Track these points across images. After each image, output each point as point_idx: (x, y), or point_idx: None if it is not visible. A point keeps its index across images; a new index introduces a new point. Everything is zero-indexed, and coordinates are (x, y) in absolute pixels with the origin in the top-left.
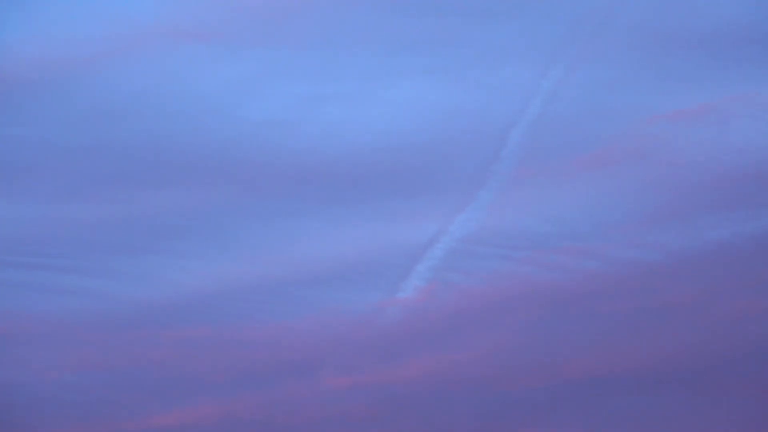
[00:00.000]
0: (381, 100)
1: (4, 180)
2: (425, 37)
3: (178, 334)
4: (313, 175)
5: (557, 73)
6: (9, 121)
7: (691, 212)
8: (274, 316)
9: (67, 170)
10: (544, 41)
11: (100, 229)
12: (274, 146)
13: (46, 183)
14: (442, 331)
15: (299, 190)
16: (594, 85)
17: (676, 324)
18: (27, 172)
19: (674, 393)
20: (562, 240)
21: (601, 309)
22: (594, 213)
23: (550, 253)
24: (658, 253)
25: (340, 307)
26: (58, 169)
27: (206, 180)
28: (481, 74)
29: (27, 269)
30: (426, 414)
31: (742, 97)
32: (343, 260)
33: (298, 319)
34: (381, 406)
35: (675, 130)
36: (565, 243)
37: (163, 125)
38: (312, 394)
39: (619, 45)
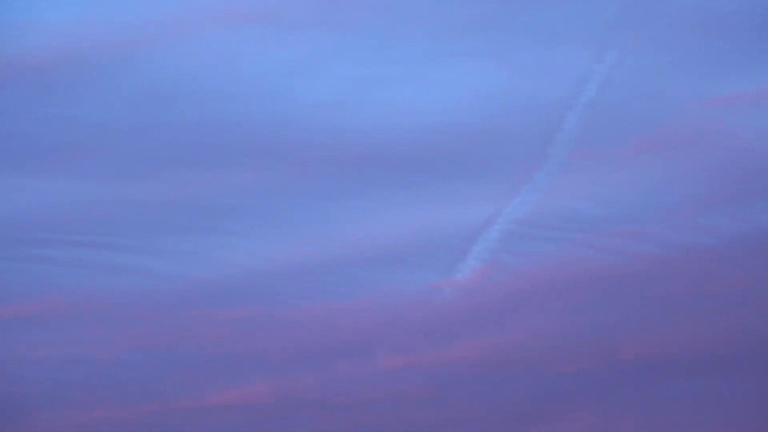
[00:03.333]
0: (436, 83)
1: (59, 160)
2: (479, 21)
3: (232, 313)
4: (369, 157)
5: (612, 57)
6: (62, 102)
7: (746, 196)
8: (329, 295)
9: (122, 150)
10: (598, 25)
11: (155, 209)
12: (328, 128)
13: (102, 163)
14: (496, 312)
15: (354, 172)
16: (648, 69)
17: (729, 307)
18: (82, 153)
19: (727, 376)
20: (616, 223)
21: (654, 292)
22: (648, 196)
23: (604, 236)
24: (712, 236)
25: (395, 287)
26: (113, 150)
27: (261, 161)
28: (536, 57)
29: (82, 248)
30: (480, 395)
31: None
32: (399, 241)
33: (353, 299)
34: (435, 386)
35: (730, 115)
36: (620, 226)
37: (218, 107)
38: (366, 374)
39: (674, 28)
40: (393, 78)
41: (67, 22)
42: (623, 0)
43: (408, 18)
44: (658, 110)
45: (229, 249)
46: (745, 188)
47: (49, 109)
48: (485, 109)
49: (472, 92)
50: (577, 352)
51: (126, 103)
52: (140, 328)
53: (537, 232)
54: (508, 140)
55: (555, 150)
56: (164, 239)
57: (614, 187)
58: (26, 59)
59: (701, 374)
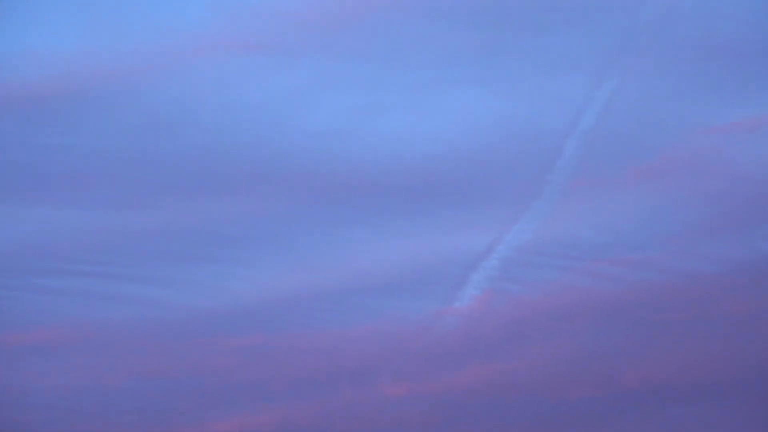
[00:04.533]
0: (436, 111)
1: (60, 189)
2: (479, 49)
3: (235, 341)
4: (369, 185)
5: (612, 84)
6: (68, 130)
7: (747, 224)
8: (331, 324)
9: (125, 180)
10: (598, 52)
11: (158, 238)
12: (329, 156)
13: (105, 192)
14: (497, 340)
15: (355, 200)
16: (649, 97)
17: (731, 334)
18: (85, 182)
19: (729, 403)
20: (617, 250)
21: (655, 319)
22: (649, 224)
23: (605, 264)
24: (713, 264)
25: (396, 315)
26: (116, 179)
27: (262, 190)
28: (535, 85)
29: (84, 277)
30: (481, 422)
31: None
32: (400, 269)
33: (355, 327)
34: (437, 414)
35: (730, 142)
36: (621, 253)
37: (219, 135)
38: (368, 401)
39: (674, 56)
40: (393, 106)
41: (67, 51)
42: (623, 27)
43: (408, 46)
44: (658, 137)
45: (230, 277)
46: (745, 215)
47: (50, 138)
48: (485, 137)
49: (472, 120)
50: (579, 380)
51: (126, 131)
52: (143, 357)
53: (537, 260)
54: (508, 168)
55: (555, 177)
56: (166, 268)
57: (615, 214)
58: (26, 88)
59: (703, 401)
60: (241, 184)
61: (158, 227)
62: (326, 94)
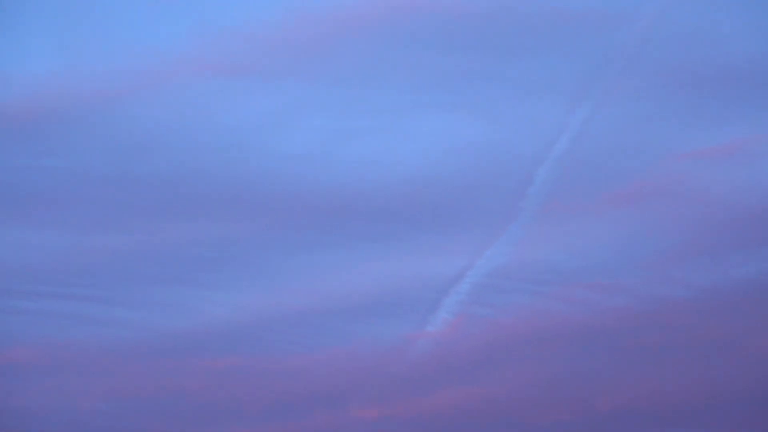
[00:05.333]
0: (410, 135)
1: (37, 210)
2: (453, 73)
3: (209, 364)
4: (343, 209)
5: (585, 110)
6: (41, 152)
7: (718, 249)
8: (303, 347)
9: (98, 201)
10: (571, 78)
11: (130, 260)
12: (304, 179)
13: (77, 214)
14: (470, 364)
15: (328, 224)
16: (622, 122)
17: (703, 359)
18: (58, 203)
19: (701, 428)
20: (590, 275)
21: (628, 344)
22: (622, 249)
23: (578, 288)
24: (686, 289)
25: (369, 339)
26: (89, 200)
27: (236, 213)
28: (510, 110)
29: (60, 299)
30: None
31: None
32: (373, 293)
33: (329, 350)
34: None
35: (702, 168)
36: (593, 278)
37: (193, 158)
38: (341, 425)
39: (647, 82)
40: (368, 129)
41: (43, 72)
42: (599, 52)
43: (383, 69)
44: (632, 163)
45: (205, 300)
46: (718, 241)
47: (25, 159)
48: (460, 161)
49: (447, 144)
50: (552, 404)
51: (104, 153)
52: (118, 379)
53: (510, 284)
54: (482, 192)
55: (528, 202)
56: (140, 290)
57: (588, 239)
58: (5, 110)
59: (675, 426)
60: (215, 206)
61: (133, 249)
62: (302, 117)
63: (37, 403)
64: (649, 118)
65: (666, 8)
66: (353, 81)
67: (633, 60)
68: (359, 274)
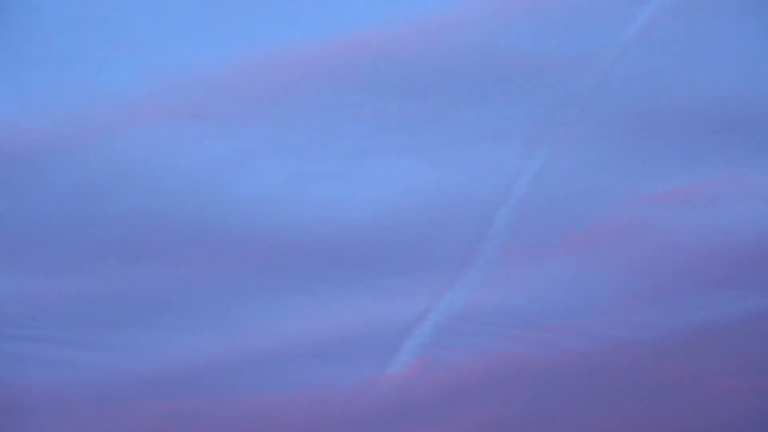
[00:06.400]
0: (369, 179)
1: None
2: (411, 118)
3: (169, 406)
4: (302, 252)
5: (543, 154)
6: None
7: (678, 292)
8: (265, 389)
9: (57, 244)
10: (529, 122)
11: (89, 303)
12: (263, 223)
13: (35, 257)
14: (431, 405)
15: (288, 267)
16: (580, 166)
17: (663, 402)
18: (15, 247)
19: None
20: (550, 318)
21: (589, 387)
22: (582, 292)
23: (538, 331)
24: (645, 332)
25: (329, 381)
26: (48, 243)
27: (195, 256)
28: (467, 154)
29: (18, 341)
30: None
31: (727, 179)
32: (333, 336)
33: (289, 393)
34: None
35: (662, 211)
36: (553, 321)
37: (152, 201)
38: None
39: (606, 126)
40: (326, 173)
41: (3, 116)
42: (554, 98)
43: (341, 115)
44: (589, 206)
45: (164, 343)
46: (677, 284)
47: None
48: (418, 205)
49: (404, 188)
50: None
51: (59, 197)
52: (77, 421)
53: (470, 327)
54: (440, 236)
55: (488, 246)
56: (99, 333)
57: (547, 282)
58: None
59: None
60: (175, 250)
61: (90, 292)
62: (259, 160)
63: None
64: (605, 162)
65: (621, 54)
66: (310, 125)
67: (589, 105)
68: (318, 317)
